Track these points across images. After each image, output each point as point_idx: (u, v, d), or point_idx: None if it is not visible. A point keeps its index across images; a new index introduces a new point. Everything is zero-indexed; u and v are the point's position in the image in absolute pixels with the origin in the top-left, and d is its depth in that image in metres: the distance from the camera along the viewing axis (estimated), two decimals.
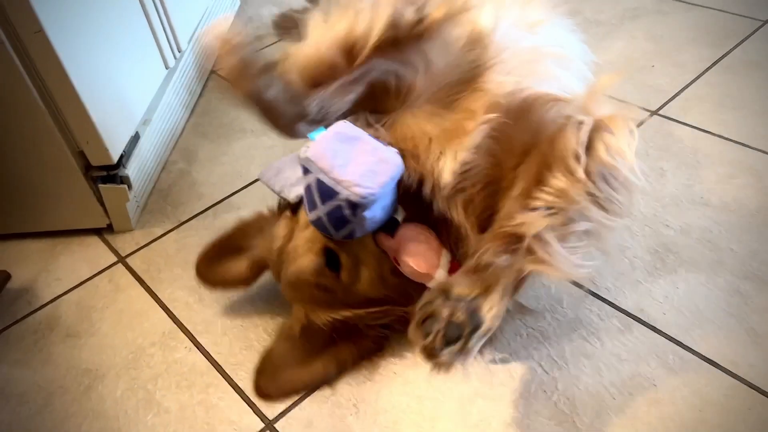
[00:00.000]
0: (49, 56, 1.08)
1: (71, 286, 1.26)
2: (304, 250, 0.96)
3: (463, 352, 0.76)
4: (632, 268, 1.14)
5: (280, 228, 1.01)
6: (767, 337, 1.00)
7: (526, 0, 1.00)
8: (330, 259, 0.95)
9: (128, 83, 1.35)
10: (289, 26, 1.77)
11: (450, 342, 0.75)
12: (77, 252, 1.34)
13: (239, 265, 1.11)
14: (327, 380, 1.01)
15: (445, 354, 0.76)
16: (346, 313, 0.97)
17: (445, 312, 0.76)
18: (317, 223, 0.90)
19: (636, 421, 0.92)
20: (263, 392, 1.00)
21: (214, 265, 1.13)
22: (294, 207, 1.01)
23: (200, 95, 1.74)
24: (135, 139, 1.36)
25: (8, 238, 1.36)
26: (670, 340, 1.02)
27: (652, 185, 1.30)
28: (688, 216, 1.22)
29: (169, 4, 1.49)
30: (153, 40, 1.45)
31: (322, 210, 0.87)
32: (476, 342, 0.77)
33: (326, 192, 0.85)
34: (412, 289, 0.95)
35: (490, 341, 0.86)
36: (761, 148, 1.34)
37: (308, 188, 0.88)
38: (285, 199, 1.03)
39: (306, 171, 0.88)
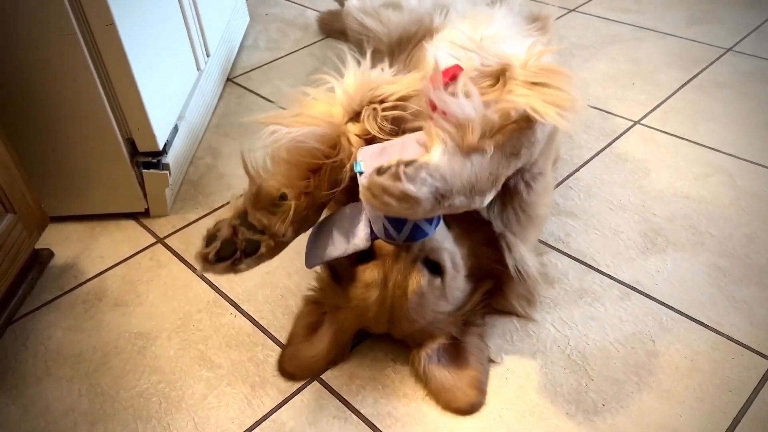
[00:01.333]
0: (117, 48, 1.21)
1: (115, 263, 1.36)
2: (403, 278, 0.97)
3: (233, 268, 0.94)
4: (627, 248, 1.30)
5: (367, 276, 1.00)
6: (744, 303, 1.17)
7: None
8: (430, 267, 0.98)
9: (171, 80, 1.47)
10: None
11: (223, 258, 0.93)
12: (116, 233, 1.44)
13: (318, 346, 1.10)
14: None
15: (217, 266, 0.93)
16: (466, 309, 1.06)
17: (226, 231, 0.94)
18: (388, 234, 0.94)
19: (638, 368, 1.07)
20: (287, 372, 1.10)
21: (296, 360, 1.11)
22: (360, 256, 1.00)
23: (220, 98, 1.87)
24: (175, 130, 1.48)
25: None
26: (663, 305, 1.18)
27: (639, 182, 1.47)
28: (672, 207, 1.40)
29: (202, 10, 1.62)
30: (188, 42, 1.58)
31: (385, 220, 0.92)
32: (247, 265, 0.95)
33: None
34: (498, 257, 1.06)
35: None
36: (732, 153, 1.54)
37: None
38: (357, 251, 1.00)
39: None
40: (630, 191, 1.45)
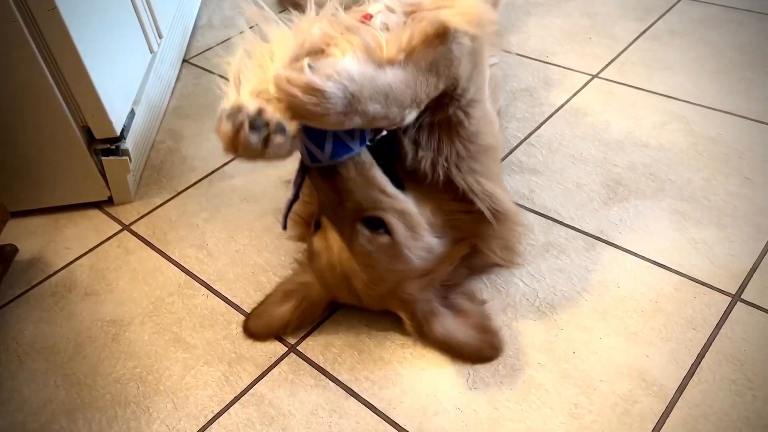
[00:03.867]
0: (62, 33, 1.18)
1: (82, 253, 1.35)
2: (346, 240, 0.98)
3: (266, 146, 0.86)
4: (590, 199, 1.33)
5: (316, 245, 1.02)
6: (704, 243, 1.20)
7: None
8: (374, 225, 0.97)
9: (123, 63, 1.45)
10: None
11: (257, 128, 0.85)
12: (81, 224, 1.42)
13: (286, 308, 1.12)
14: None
15: (252, 138, 0.85)
16: (440, 271, 1.05)
17: (252, 108, 0.86)
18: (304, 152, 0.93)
19: (606, 314, 1.10)
20: (248, 329, 1.12)
21: (261, 319, 1.14)
22: (316, 225, 1.03)
23: (178, 79, 1.84)
24: (132, 115, 1.45)
25: (11, 216, 1.43)
26: (627, 252, 1.20)
27: (600, 134, 1.49)
28: (632, 156, 1.42)
29: None
30: (138, 24, 1.55)
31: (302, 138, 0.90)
32: (278, 145, 0.86)
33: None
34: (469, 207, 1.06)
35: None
36: (687, 99, 1.56)
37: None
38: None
39: None
40: (591, 144, 1.47)
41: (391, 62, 0.90)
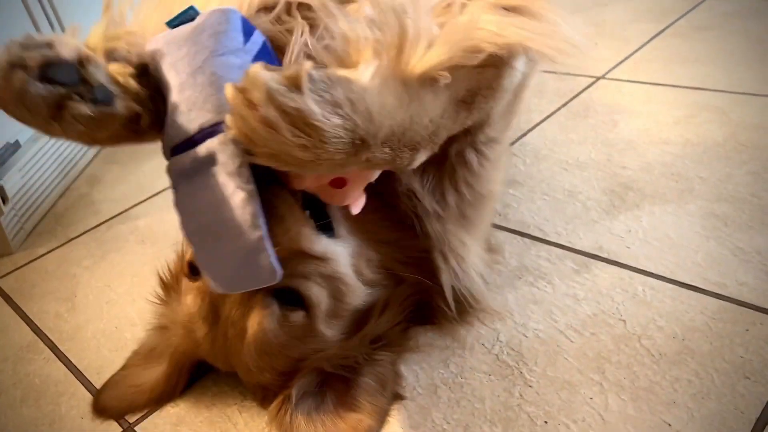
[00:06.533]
0: None
1: None
2: (240, 314, 0.67)
3: (62, 108, 0.55)
4: (585, 209, 0.95)
5: (190, 303, 0.71)
6: (757, 254, 0.79)
7: None
8: (285, 297, 0.67)
9: None
10: None
11: (52, 80, 0.54)
12: None
13: (148, 375, 0.78)
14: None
15: (33, 86, 0.54)
16: (369, 330, 0.72)
17: (70, 53, 0.56)
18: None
19: (601, 361, 0.70)
20: (98, 406, 0.77)
21: (116, 390, 0.78)
22: (191, 268, 0.70)
23: None
24: (14, 147, 1.19)
25: None
26: (638, 272, 0.81)
27: (604, 136, 1.12)
28: (646, 156, 1.04)
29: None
30: None
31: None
32: (91, 115, 0.56)
33: None
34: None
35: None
36: (720, 89, 1.19)
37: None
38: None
39: None
40: (591, 147, 1.10)
41: (423, 81, 0.57)
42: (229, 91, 0.49)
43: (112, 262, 1.09)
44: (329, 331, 0.70)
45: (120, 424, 0.76)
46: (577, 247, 0.87)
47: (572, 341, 0.73)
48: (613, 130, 1.14)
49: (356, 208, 0.65)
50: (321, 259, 0.67)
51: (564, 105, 1.26)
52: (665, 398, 0.64)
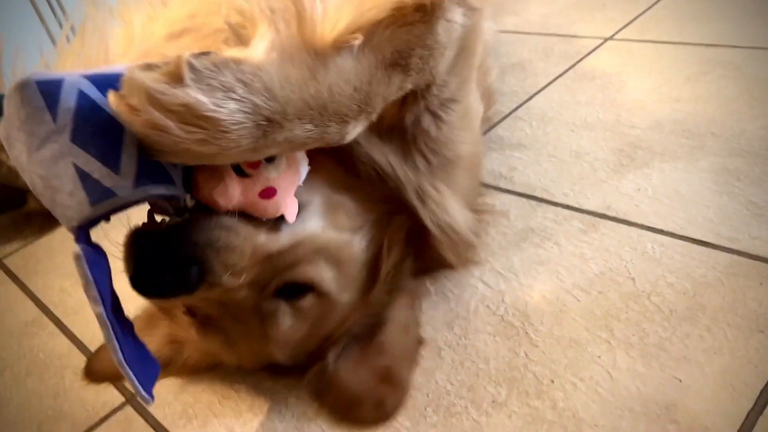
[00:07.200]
0: None
1: None
2: (253, 325, 0.65)
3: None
4: (593, 169, 0.92)
5: (207, 345, 0.70)
6: None
7: None
8: (286, 291, 0.65)
9: None
10: None
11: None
12: None
13: (150, 342, 0.73)
14: None
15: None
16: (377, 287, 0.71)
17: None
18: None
19: (609, 319, 0.68)
20: (90, 370, 0.76)
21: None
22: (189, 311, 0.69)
23: None
24: None
25: None
26: (647, 230, 0.78)
27: (612, 96, 1.09)
28: (657, 114, 1.01)
29: None
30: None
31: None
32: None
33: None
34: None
35: None
36: (733, 44, 1.15)
37: None
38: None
39: None
40: (599, 108, 1.07)
41: (335, 48, 0.54)
42: (111, 99, 0.47)
43: (116, 237, 1.08)
44: (345, 295, 0.68)
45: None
46: (585, 207, 0.85)
47: (579, 300, 0.71)
48: (622, 90, 1.11)
49: (291, 216, 0.62)
50: (294, 246, 0.64)
51: (571, 67, 1.23)
52: (676, 354, 0.62)
